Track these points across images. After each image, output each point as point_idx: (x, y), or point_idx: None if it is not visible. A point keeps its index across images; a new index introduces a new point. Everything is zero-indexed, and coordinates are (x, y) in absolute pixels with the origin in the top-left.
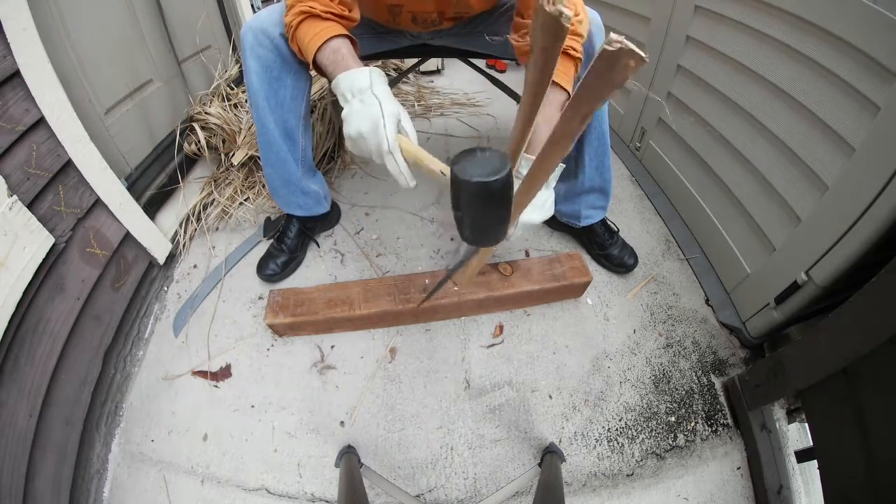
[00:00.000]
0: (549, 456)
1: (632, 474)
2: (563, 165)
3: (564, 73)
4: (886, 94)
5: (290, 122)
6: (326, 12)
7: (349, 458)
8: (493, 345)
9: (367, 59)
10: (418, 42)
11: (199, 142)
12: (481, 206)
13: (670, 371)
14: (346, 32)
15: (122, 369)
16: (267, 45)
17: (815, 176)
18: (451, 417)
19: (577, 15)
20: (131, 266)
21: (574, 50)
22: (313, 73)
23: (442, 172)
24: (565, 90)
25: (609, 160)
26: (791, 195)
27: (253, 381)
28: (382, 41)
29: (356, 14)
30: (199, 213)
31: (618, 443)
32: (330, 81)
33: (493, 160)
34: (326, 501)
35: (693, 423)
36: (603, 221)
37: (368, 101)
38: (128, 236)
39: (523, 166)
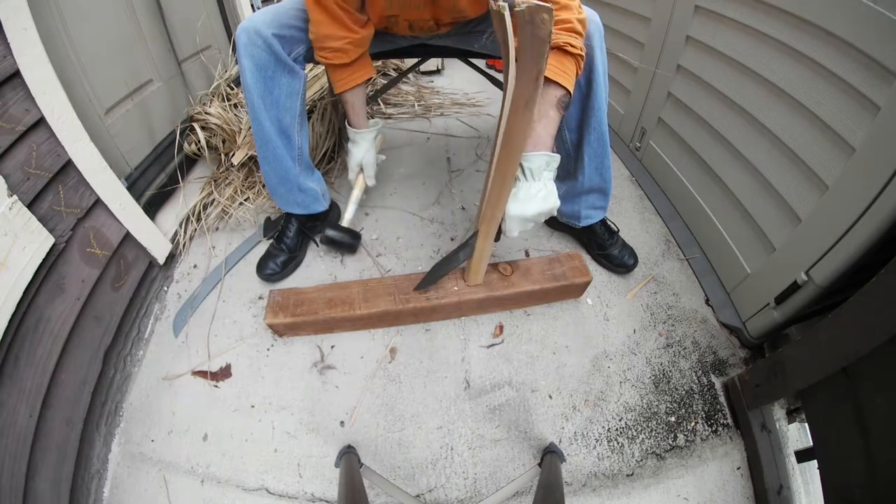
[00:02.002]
0: (549, 456)
1: (632, 474)
2: (558, 156)
3: (562, 70)
4: (886, 94)
5: (285, 121)
6: (347, 54)
7: (349, 458)
8: (493, 345)
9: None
10: (417, 42)
11: (199, 142)
12: None
13: (670, 371)
14: (363, 79)
15: (122, 369)
16: (260, 45)
17: (815, 176)
18: (451, 417)
19: (579, 14)
20: (131, 266)
21: (571, 46)
22: (308, 73)
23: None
24: (562, 86)
25: (609, 160)
26: (791, 195)
27: (253, 381)
28: (380, 42)
29: (370, 30)
30: (199, 213)
31: (618, 443)
32: (348, 121)
33: None
34: (326, 501)
35: (693, 423)
36: (603, 221)
37: (352, 150)
38: (128, 236)
39: (524, 159)
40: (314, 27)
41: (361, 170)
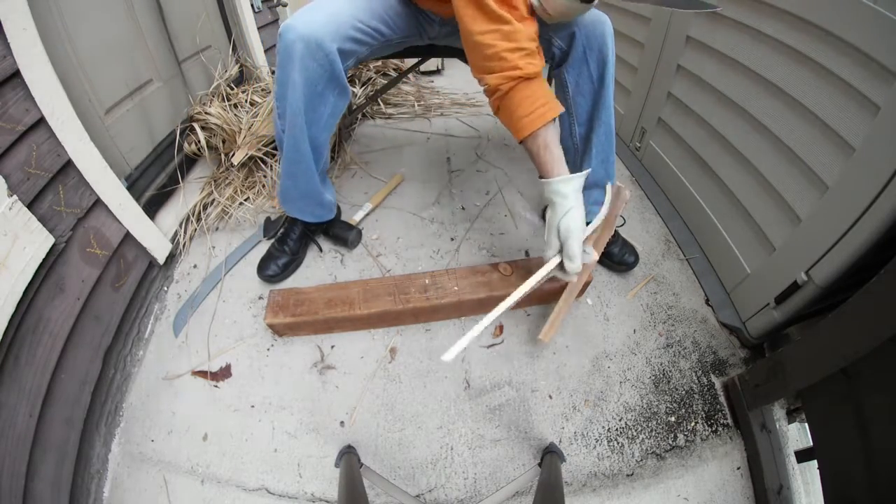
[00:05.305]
0: (549, 456)
1: (632, 474)
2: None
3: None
4: (886, 94)
5: (320, 139)
6: (536, 58)
7: (349, 458)
8: (493, 345)
9: (368, 59)
10: (422, 42)
11: (199, 142)
12: None
13: (670, 371)
14: (554, 114)
15: (122, 369)
16: (321, 60)
17: (815, 176)
18: (451, 417)
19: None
20: (131, 266)
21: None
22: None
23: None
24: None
25: (613, 156)
26: (791, 195)
27: (253, 381)
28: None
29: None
30: (199, 213)
31: (618, 443)
32: (539, 170)
33: None
34: (326, 501)
35: (693, 423)
36: None
37: (555, 210)
38: (128, 236)
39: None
40: (498, 25)
41: (562, 246)
